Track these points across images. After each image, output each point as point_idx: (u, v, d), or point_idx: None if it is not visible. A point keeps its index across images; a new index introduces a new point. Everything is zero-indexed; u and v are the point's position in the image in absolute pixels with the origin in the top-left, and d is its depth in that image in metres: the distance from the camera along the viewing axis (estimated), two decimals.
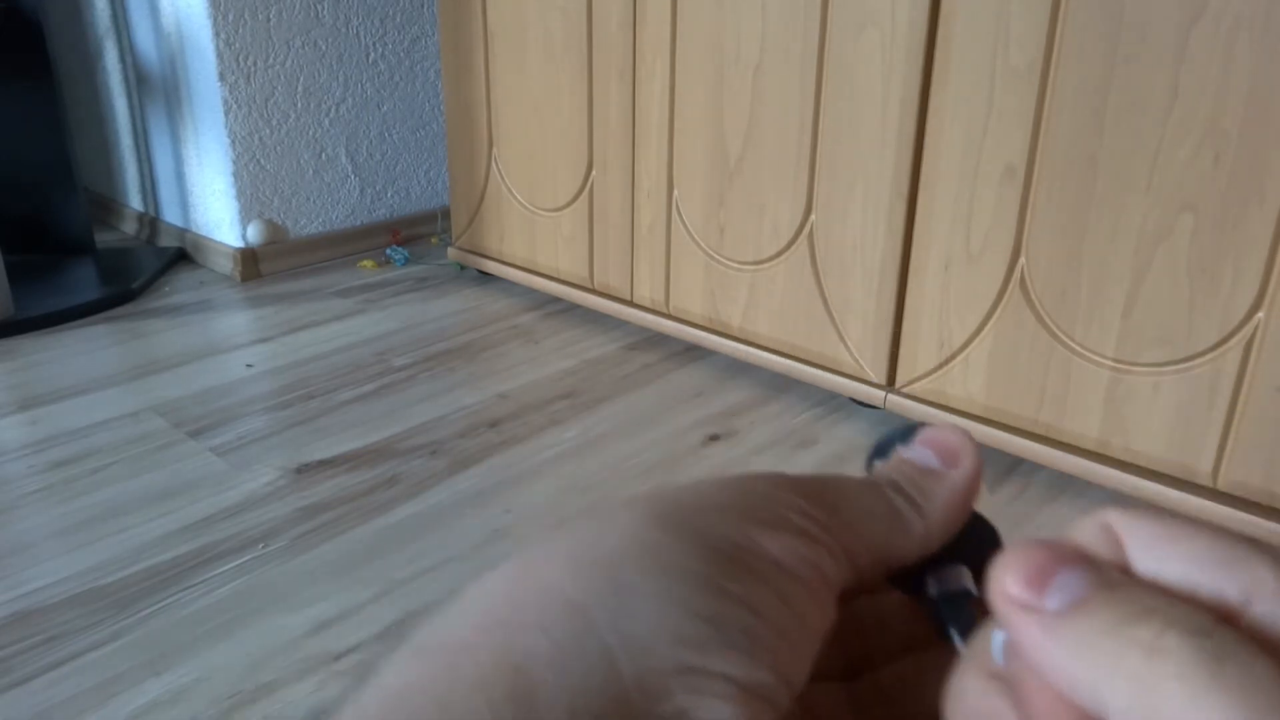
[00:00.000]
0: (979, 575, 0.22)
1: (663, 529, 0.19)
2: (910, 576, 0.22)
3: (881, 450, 0.24)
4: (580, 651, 0.18)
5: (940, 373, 1.09)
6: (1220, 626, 0.15)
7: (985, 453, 1.06)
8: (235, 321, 1.52)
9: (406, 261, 1.74)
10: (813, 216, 1.16)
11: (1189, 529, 0.17)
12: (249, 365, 1.35)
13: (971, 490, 0.23)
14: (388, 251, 1.77)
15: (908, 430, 0.24)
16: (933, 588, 0.22)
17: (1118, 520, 0.18)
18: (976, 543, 0.23)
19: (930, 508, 0.22)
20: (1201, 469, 0.94)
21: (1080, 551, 0.18)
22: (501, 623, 0.18)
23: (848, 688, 0.24)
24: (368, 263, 1.73)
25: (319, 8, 1.66)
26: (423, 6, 1.80)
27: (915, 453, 0.23)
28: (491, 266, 1.59)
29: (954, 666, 0.20)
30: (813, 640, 0.20)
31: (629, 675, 0.18)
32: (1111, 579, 0.17)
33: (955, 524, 0.22)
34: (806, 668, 0.20)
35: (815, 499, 0.21)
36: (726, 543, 0.19)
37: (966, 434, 0.24)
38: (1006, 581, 0.17)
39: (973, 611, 0.21)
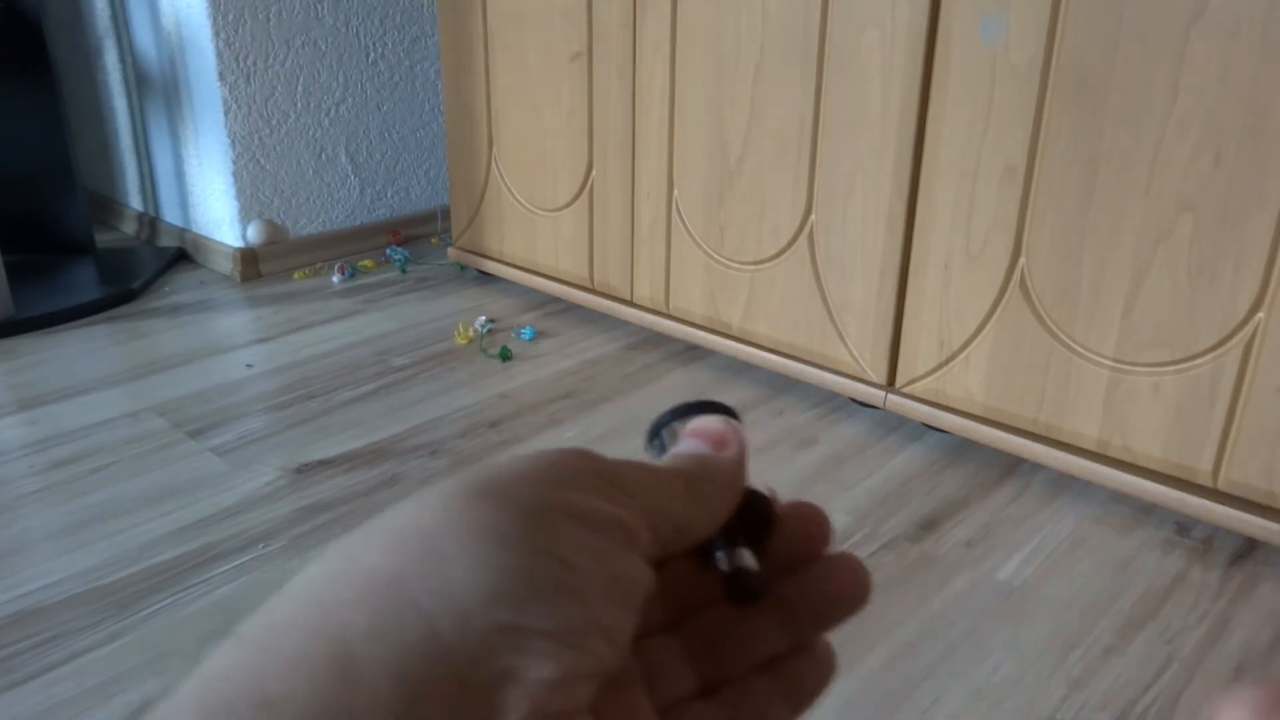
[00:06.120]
0: (756, 544, 0.25)
1: (477, 498, 0.20)
2: (702, 552, 0.25)
3: (656, 430, 0.27)
4: (399, 621, 0.18)
5: (940, 373, 1.09)
6: None
7: (985, 453, 1.06)
8: (235, 321, 1.52)
9: (406, 262, 1.74)
10: (813, 216, 1.16)
11: None
12: (249, 365, 1.35)
13: (740, 469, 0.25)
14: (388, 252, 1.77)
15: (680, 409, 0.27)
16: (722, 563, 0.25)
17: None
18: (752, 516, 0.26)
19: (710, 488, 0.24)
20: (1201, 469, 0.94)
21: None
22: (320, 603, 0.19)
23: (679, 637, 0.25)
24: (368, 262, 1.73)
25: (319, 8, 1.66)
26: (423, 6, 1.80)
27: (687, 445, 0.26)
28: (491, 266, 1.59)
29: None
30: (630, 595, 0.21)
31: (450, 638, 0.18)
32: None
33: (733, 500, 0.25)
34: (629, 621, 0.21)
35: (618, 474, 0.22)
36: (539, 505, 0.20)
37: (730, 421, 0.26)
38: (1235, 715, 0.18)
39: (756, 586, 0.25)
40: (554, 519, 0.20)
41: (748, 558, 0.25)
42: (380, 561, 0.19)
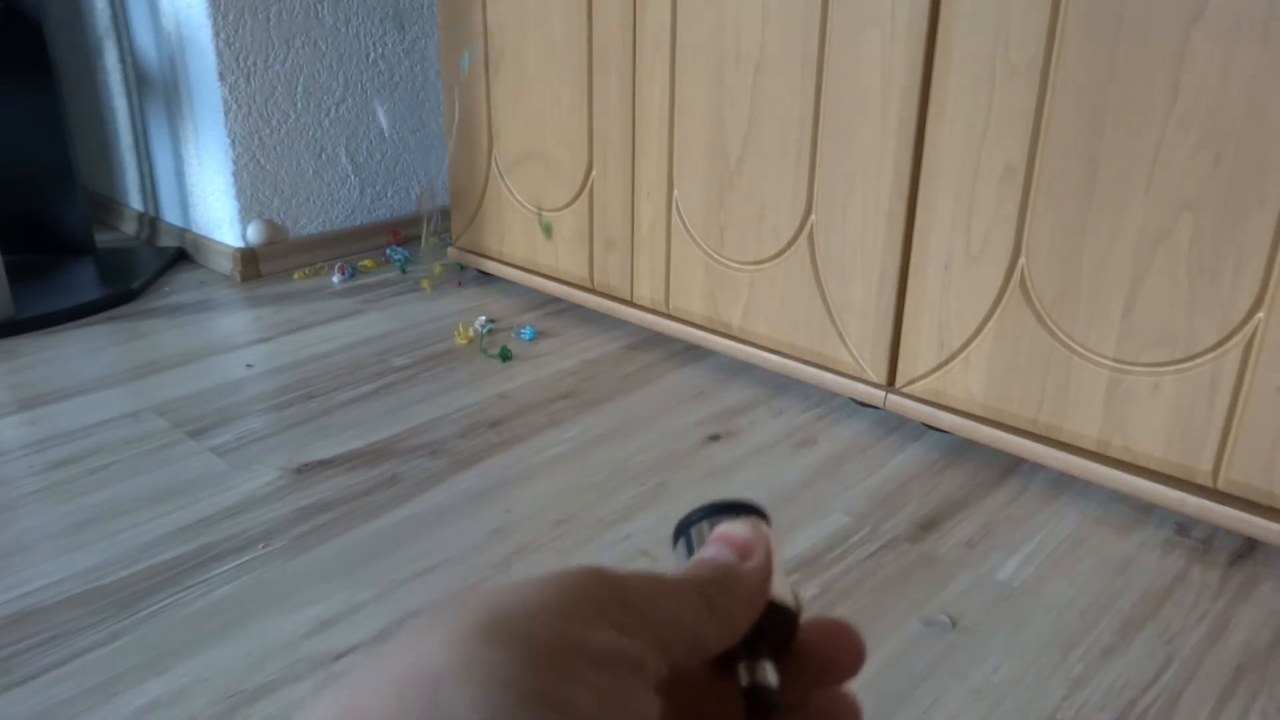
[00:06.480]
0: (779, 657, 0.25)
1: (483, 639, 0.20)
2: (724, 664, 0.25)
3: (684, 528, 0.27)
4: None
5: (940, 373, 1.09)
6: None
7: (985, 453, 1.06)
8: (235, 321, 1.52)
9: (406, 262, 1.74)
10: (813, 216, 1.16)
11: None
12: (249, 365, 1.35)
13: (764, 581, 0.25)
14: (388, 252, 1.77)
15: (710, 509, 0.27)
16: (744, 677, 0.25)
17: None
18: (774, 627, 0.25)
19: (730, 601, 0.24)
20: (1201, 469, 0.94)
21: None
22: None
23: None
24: (368, 262, 1.73)
25: (319, 8, 1.66)
26: (423, 7, 1.80)
27: (711, 551, 0.26)
28: (491, 266, 1.59)
29: None
30: None
31: None
32: None
33: (753, 614, 0.25)
34: None
35: (632, 594, 0.22)
36: (546, 647, 0.20)
37: (758, 527, 0.26)
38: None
39: (774, 702, 0.24)
40: (563, 661, 0.20)
41: (769, 672, 0.25)
42: (384, 712, 0.19)
